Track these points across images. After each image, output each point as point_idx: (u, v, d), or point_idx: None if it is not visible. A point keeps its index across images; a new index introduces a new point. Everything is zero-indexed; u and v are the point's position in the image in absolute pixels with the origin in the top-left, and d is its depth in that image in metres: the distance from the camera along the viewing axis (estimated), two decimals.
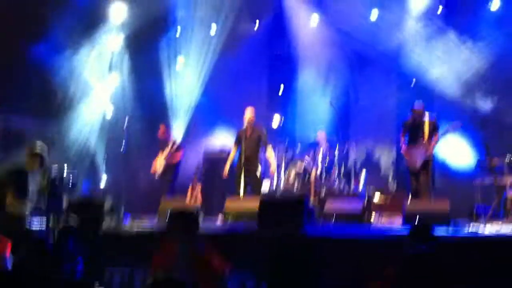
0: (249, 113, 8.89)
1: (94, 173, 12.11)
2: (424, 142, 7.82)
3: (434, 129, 7.95)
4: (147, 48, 13.02)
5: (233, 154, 9.12)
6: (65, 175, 9.18)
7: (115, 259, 6.57)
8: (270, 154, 9.22)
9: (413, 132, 8.03)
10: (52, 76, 11.69)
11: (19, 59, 10.85)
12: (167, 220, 4.53)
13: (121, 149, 9.50)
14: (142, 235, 7.10)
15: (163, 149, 10.19)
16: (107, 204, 7.85)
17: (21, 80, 10.70)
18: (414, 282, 2.43)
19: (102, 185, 11.75)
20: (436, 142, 7.95)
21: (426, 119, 7.92)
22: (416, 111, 7.85)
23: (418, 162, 7.89)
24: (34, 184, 6.82)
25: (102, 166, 11.93)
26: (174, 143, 10.07)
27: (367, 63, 12.37)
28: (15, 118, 11.62)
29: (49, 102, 11.72)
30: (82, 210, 7.25)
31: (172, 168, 10.05)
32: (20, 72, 10.69)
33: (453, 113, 10.22)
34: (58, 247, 4.97)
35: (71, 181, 9.14)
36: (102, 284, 6.41)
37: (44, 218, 7.07)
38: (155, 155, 10.77)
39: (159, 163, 10.09)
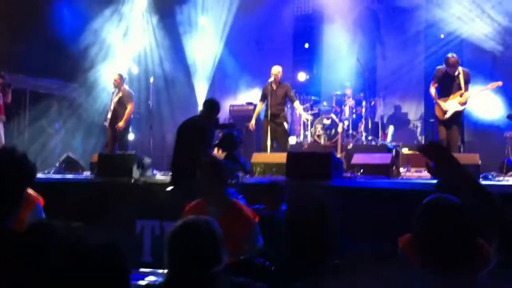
0: (275, 69, 8.82)
1: None
2: (460, 92, 7.70)
3: (467, 81, 7.81)
4: (170, 9, 12.93)
5: (259, 108, 9.08)
6: None
7: (145, 211, 6.63)
8: (298, 106, 9.22)
9: (445, 83, 7.88)
10: (76, 38, 11.71)
11: (44, 21, 10.86)
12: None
13: (150, 107, 9.59)
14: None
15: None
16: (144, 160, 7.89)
17: (47, 44, 10.72)
18: (441, 233, 2.39)
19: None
20: (470, 96, 7.83)
21: (460, 70, 7.78)
22: (450, 62, 7.69)
23: (449, 112, 7.76)
24: None
25: None
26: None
27: (394, 18, 12.15)
28: (43, 81, 11.73)
29: (74, 64, 11.77)
30: None
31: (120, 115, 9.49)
32: (45, 35, 10.71)
33: (484, 65, 10.02)
34: None
35: None
36: (133, 236, 6.50)
37: None
38: (179, 113, 10.87)
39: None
